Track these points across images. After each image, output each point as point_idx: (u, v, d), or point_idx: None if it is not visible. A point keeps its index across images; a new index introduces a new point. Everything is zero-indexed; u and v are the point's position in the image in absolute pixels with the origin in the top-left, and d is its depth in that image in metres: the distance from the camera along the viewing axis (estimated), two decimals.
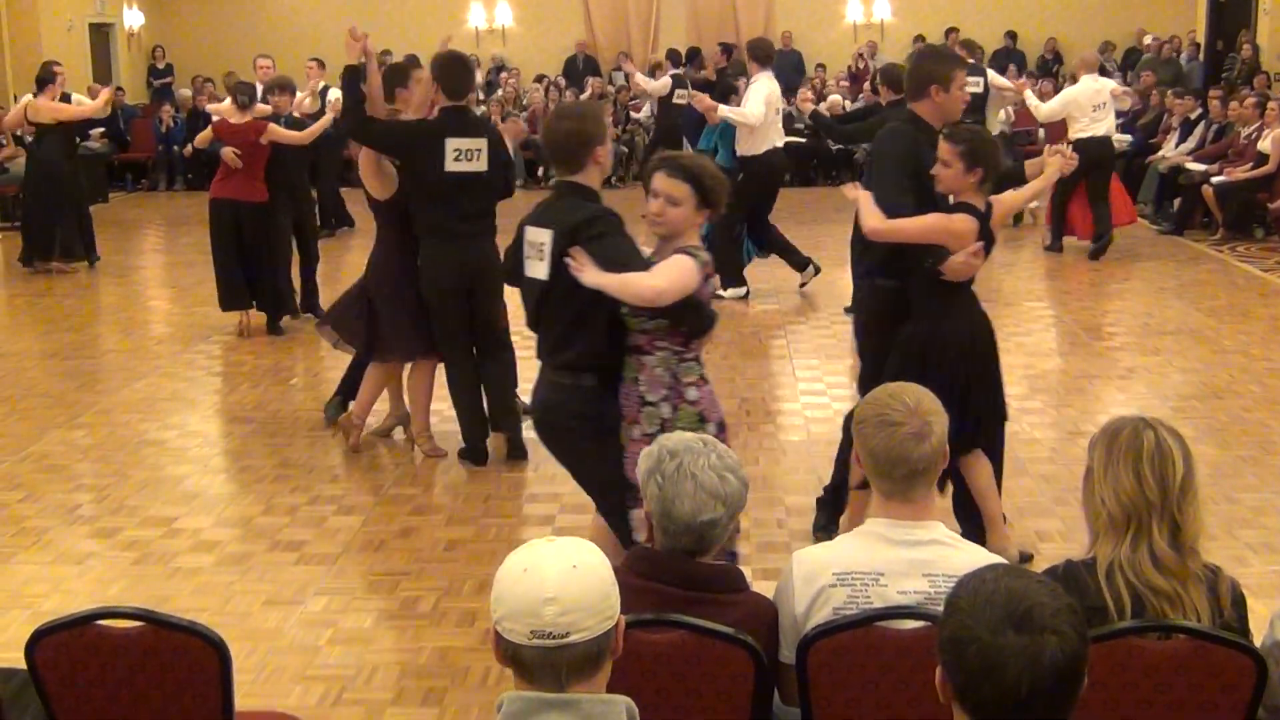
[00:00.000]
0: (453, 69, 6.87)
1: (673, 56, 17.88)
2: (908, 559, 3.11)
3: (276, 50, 18.93)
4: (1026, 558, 5.62)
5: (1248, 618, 3.08)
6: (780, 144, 11.49)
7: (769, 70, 11.46)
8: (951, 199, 5.30)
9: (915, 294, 5.46)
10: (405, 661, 4.97)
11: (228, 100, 10.71)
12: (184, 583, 5.70)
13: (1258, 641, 3.10)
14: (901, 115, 5.82)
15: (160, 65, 22.72)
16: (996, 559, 2.90)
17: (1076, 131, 13.10)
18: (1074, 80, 14.29)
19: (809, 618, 3.11)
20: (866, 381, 5.55)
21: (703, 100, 11.28)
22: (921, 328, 5.42)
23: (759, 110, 10.97)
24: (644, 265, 4.51)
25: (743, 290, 11.38)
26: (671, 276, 4.42)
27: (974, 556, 3.08)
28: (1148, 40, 20.66)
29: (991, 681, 2.09)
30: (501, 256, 5.41)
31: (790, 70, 20.39)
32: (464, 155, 6.73)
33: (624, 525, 4.65)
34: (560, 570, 2.32)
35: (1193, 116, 15.71)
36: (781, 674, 3.18)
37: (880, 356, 5.58)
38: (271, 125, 9.95)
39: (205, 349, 10.00)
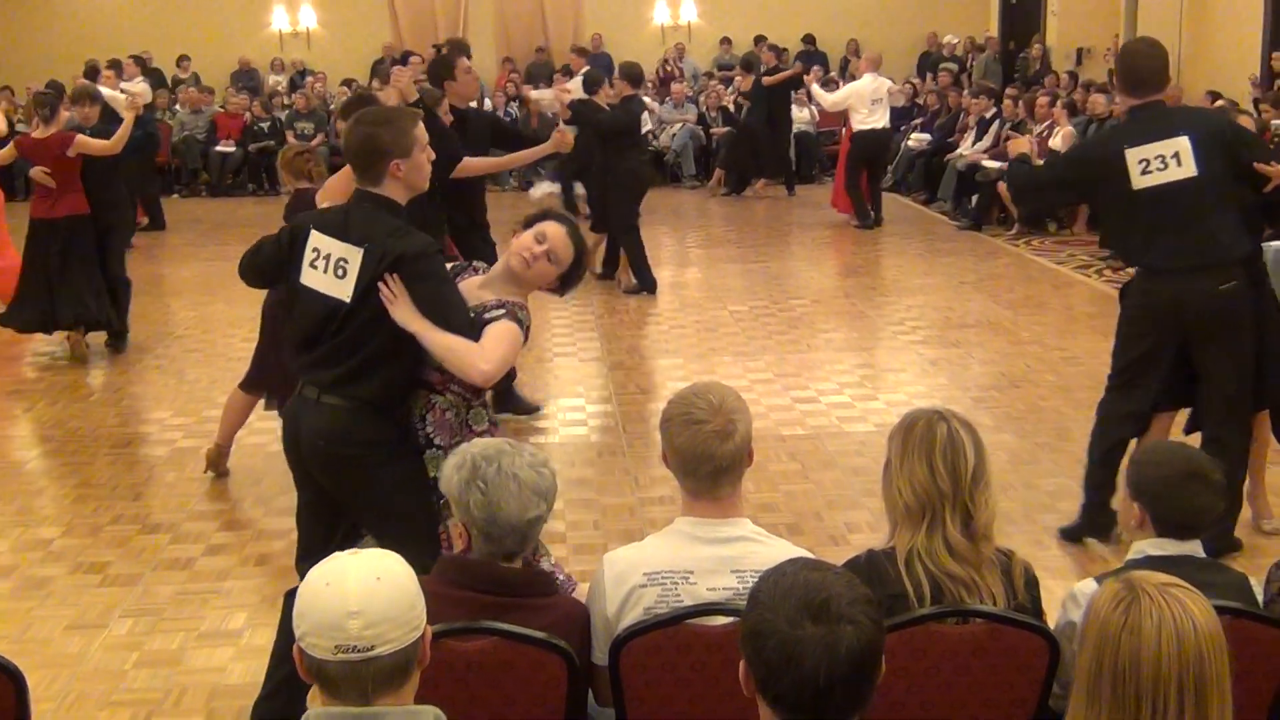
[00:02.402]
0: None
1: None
2: (716, 556, 3.15)
3: (78, 54, 18.21)
4: None
5: (1041, 599, 3.20)
6: None
7: None
8: None
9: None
10: (215, 682, 4.85)
11: None
12: None
13: (1052, 622, 3.23)
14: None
15: None
16: (801, 553, 2.96)
17: (858, 123, 14.96)
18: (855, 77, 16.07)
19: (620, 618, 3.13)
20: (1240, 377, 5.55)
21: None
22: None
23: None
24: (471, 322, 4.01)
25: None
26: (502, 356, 3.98)
27: (781, 551, 3.12)
28: (949, 39, 21.28)
29: (791, 672, 2.13)
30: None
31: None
32: None
33: (413, 553, 4.17)
34: (363, 582, 2.28)
35: (988, 115, 16.23)
36: (595, 676, 3.20)
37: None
38: (79, 136, 9.37)
39: None
